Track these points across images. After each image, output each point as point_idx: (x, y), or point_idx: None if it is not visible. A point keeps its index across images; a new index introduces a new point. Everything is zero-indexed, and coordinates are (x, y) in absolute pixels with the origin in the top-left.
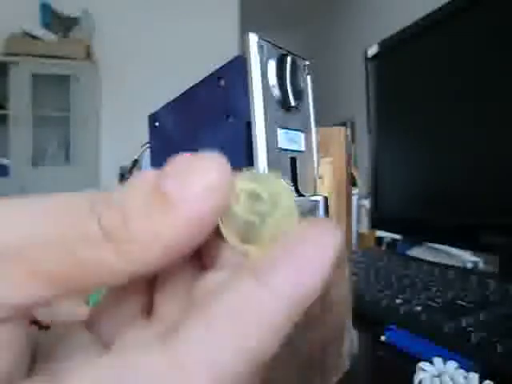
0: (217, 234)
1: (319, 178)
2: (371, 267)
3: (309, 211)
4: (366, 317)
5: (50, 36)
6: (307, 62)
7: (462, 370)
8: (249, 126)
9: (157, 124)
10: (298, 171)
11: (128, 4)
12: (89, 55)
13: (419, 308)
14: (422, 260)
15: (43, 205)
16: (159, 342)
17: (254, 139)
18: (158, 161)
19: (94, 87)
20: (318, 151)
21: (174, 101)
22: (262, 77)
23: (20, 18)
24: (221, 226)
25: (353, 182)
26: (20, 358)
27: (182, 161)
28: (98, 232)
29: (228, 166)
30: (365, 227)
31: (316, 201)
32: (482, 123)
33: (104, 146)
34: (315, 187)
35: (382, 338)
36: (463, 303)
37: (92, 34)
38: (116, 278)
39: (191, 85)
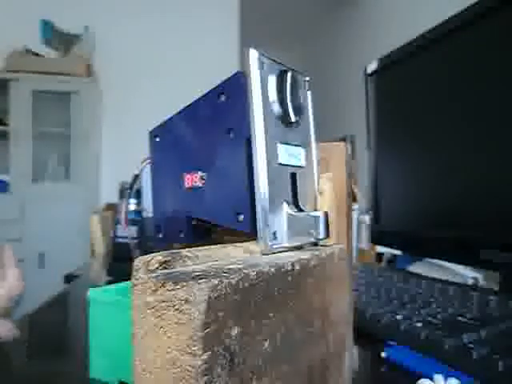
0: None
1: (319, 194)
2: (371, 283)
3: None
4: (366, 333)
5: (50, 53)
6: (307, 78)
7: None
8: (249, 141)
9: (157, 139)
10: (298, 186)
11: (128, 21)
12: (89, 72)
13: (419, 324)
14: (422, 276)
15: None
16: None
17: (254, 154)
18: (158, 176)
19: (94, 103)
20: (318, 166)
21: (174, 116)
22: (262, 92)
23: (21, 34)
24: None
25: (353, 198)
26: None
27: None
28: None
29: None
30: (365, 243)
31: (316, 216)
32: (481, 138)
33: (104, 162)
34: (315, 203)
35: (383, 354)
36: (464, 320)
37: (93, 50)
38: None
39: (191, 100)
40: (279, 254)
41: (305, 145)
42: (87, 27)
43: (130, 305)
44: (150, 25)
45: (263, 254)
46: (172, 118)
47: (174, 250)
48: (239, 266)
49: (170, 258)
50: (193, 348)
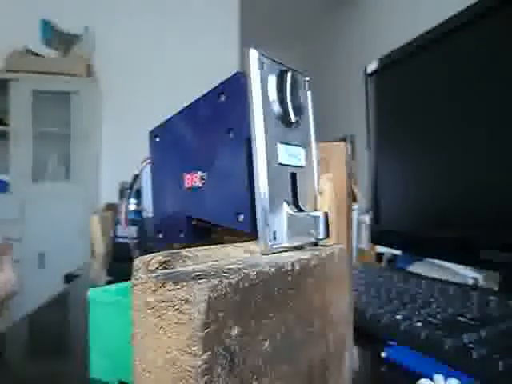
0: None
1: (319, 194)
2: (371, 283)
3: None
4: (366, 333)
5: (50, 53)
6: (307, 78)
7: None
8: (249, 141)
9: (157, 139)
10: (298, 186)
11: (128, 21)
12: (89, 72)
13: (420, 324)
14: (422, 276)
15: None
16: None
17: (254, 154)
18: (158, 176)
19: (94, 103)
20: (318, 166)
21: (174, 116)
22: (262, 92)
23: (21, 34)
24: None
25: (353, 198)
26: None
27: None
28: None
29: None
30: (365, 243)
31: (316, 216)
32: (481, 138)
33: (104, 162)
34: (315, 203)
35: (383, 354)
36: (464, 319)
37: (93, 50)
38: None
39: (191, 100)
40: (279, 254)
41: (305, 145)
42: (87, 27)
43: (129, 305)
44: (150, 25)
45: (263, 254)
46: (172, 117)
47: (174, 250)
48: (239, 266)
49: (170, 258)
50: (193, 348)
